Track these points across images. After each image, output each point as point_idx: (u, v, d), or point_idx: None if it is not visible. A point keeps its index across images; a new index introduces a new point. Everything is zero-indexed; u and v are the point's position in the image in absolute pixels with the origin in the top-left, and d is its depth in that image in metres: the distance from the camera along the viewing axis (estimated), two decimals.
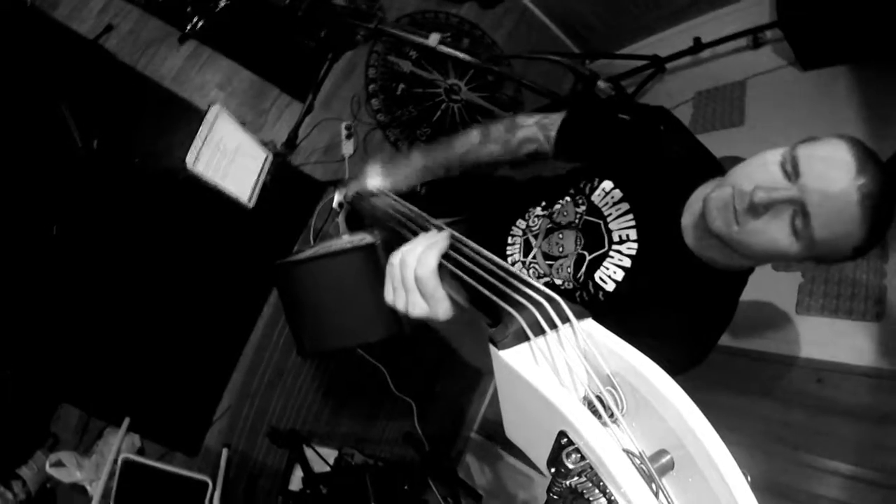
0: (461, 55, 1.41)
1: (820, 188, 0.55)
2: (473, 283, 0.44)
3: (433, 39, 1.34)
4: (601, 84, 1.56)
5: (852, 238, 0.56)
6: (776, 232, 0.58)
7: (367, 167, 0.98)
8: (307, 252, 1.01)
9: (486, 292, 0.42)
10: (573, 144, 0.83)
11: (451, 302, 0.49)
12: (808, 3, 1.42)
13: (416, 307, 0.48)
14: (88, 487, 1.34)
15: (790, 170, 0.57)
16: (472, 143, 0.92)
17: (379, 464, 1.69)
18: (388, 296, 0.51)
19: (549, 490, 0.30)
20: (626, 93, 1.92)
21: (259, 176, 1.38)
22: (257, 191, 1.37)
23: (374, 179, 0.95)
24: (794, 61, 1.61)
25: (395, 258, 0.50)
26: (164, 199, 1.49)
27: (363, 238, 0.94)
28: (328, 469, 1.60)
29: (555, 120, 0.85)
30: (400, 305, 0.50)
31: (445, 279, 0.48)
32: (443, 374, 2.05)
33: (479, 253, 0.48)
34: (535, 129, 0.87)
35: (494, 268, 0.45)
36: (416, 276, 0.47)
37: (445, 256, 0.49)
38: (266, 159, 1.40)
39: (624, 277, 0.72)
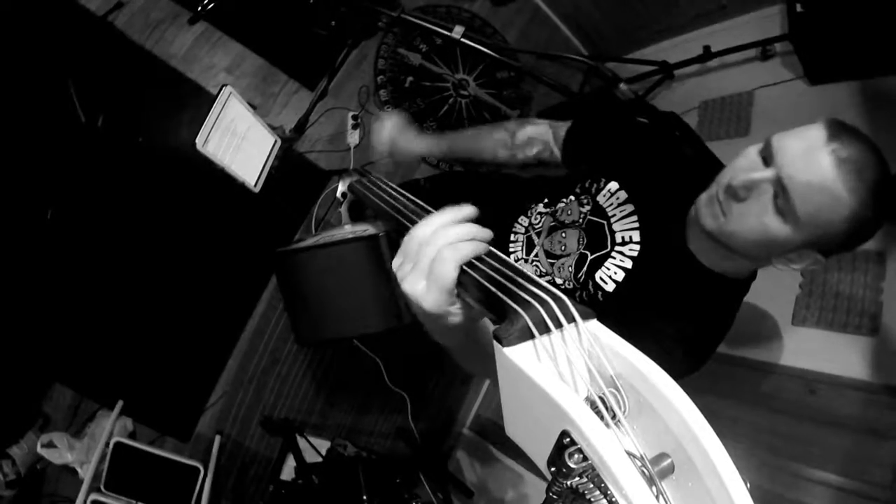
0: (485, 49, 1.40)
1: (793, 161, 0.55)
2: (479, 278, 0.44)
3: (457, 31, 1.34)
4: (622, 86, 1.56)
5: (841, 208, 0.54)
6: (761, 213, 0.58)
7: (386, 116, 1.01)
8: (309, 241, 1.01)
9: (493, 288, 0.42)
10: (580, 148, 0.84)
11: (462, 303, 0.43)
12: (820, 18, 1.42)
13: (410, 282, 0.42)
14: (79, 469, 1.33)
15: (766, 155, 0.59)
16: (482, 129, 0.94)
17: (372, 456, 1.70)
18: (397, 258, 0.45)
19: (548, 489, 0.31)
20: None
21: (267, 161, 1.37)
22: (264, 175, 1.36)
23: (388, 123, 0.98)
24: (803, 75, 1.61)
25: (422, 227, 0.43)
26: (166, 179, 1.48)
27: (366, 229, 0.94)
28: (320, 459, 1.60)
29: (564, 124, 0.86)
30: (401, 272, 0.44)
31: (466, 282, 0.42)
32: (437, 370, 2.05)
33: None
34: (545, 127, 0.87)
35: (500, 265, 0.44)
36: (438, 254, 0.41)
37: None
38: (274, 144, 1.39)
39: (624, 278, 0.72)
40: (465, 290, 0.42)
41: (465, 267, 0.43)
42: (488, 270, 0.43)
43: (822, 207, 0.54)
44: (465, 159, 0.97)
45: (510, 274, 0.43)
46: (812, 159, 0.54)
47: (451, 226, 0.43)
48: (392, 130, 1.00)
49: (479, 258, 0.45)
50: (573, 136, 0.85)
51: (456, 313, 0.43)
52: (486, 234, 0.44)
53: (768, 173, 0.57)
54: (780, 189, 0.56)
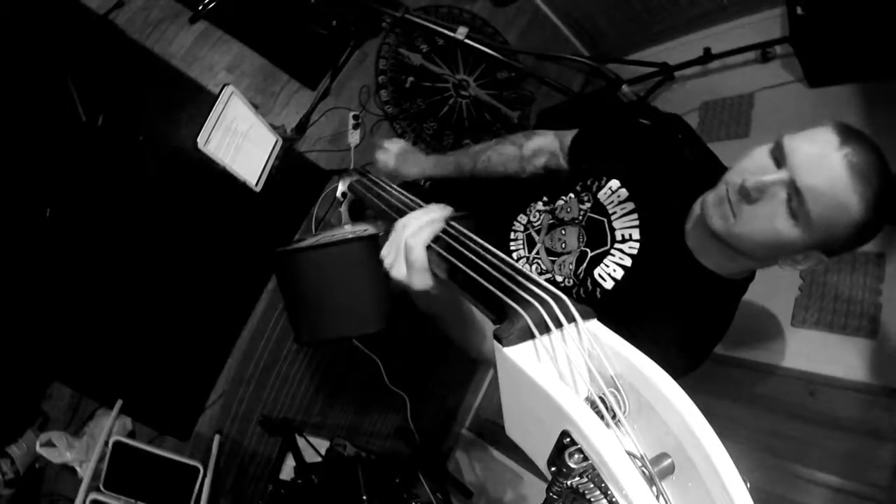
0: (487, 50, 1.40)
1: (807, 164, 0.56)
2: (480, 279, 0.44)
3: (461, 32, 1.34)
4: (625, 88, 1.56)
5: (851, 212, 0.55)
6: (773, 215, 0.58)
7: (387, 142, 1.01)
8: (308, 240, 1.01)
9: (492, 289, 0.42)
10: (586, 152, 0.84)
11: (435, 279, 0.54)
12: (821, 22, 1.43)
13: (396, 270, 0.54)
14: (78, 468, 1.33)
15: (778, 156, 0.59)
16: (488, 145, 0.94)
17: (371, 456, 1.70)
18: (384, 250, 0.56)
19: (548, 489, 0.31)
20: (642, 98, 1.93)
21: (268, 160, 1.37)
22: (265, 175, 1.36)
23: (391, 152, 0.99)
24: (802, 77, 1.61)
25: (401, 221, 0.55)
26: (166, 178, 1.48)
27: (366, 229, 0.94)
28: (320, 459, 1.60)
29: (570, 133, 0.86)
30: (387, 262, 0.55)
31: (433, 258, 0.52)
32: (437, 370, 2.05)
33: (485, 249, 0.48)
34: (551, 137, 0.88)
35: (501, 264, 0.45)
36: (405, 244, 0.52)
37: (451, 249, 0.50)
38: (276, 144, 1.39)
39: (623, 276, 0.72)
40: (436, 266, 0.53)
41: (460, 265, 0.48)
42: (489, 269, 0.44)
43: (834, 210, 0.55)
44: (472, 176, 0.97)
45: (510, 273, 0.43)
46: (826, 163, 0.55)
47: (413, 220, 0.54)
48: (396, 158, 1.00)
49: (480, 258, 0.47)
50: (579, 145, 0.85)
51: (435, 286, 0.54)
52: (441, 215, 0.54)
53: (782, 175, 0.57)
54: (794, 192, 0.56)
